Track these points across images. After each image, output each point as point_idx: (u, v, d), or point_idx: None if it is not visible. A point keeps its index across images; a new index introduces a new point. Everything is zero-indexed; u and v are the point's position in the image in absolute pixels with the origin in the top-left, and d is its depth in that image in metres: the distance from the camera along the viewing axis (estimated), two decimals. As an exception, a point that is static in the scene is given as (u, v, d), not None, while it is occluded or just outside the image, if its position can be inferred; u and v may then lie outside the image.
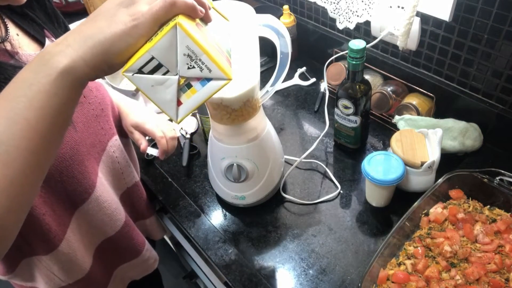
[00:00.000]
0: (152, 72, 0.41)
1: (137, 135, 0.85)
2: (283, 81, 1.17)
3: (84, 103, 0.71)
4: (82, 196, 0.70)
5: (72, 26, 1.53)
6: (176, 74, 0.41)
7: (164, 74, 0.41)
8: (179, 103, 0.43)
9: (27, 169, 0.36)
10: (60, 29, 0.70)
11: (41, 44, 0.63)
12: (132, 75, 0.41)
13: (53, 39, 0.66)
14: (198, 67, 0.41)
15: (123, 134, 0.86)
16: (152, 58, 0.39)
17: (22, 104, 0.35)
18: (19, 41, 0.60)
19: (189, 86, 0.42)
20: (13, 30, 0.60)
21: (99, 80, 0.83)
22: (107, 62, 0.38)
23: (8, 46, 0.57)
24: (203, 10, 0.42)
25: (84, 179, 0.68)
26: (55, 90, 0.36)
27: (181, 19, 0.39)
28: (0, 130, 0.35)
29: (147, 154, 1.02)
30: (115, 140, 0.80)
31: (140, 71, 0.40)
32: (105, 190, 0.75)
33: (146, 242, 0.91)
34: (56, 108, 0.37)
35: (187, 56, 0.40)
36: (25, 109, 0.35)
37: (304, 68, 1.23)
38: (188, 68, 0.41)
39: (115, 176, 0.81)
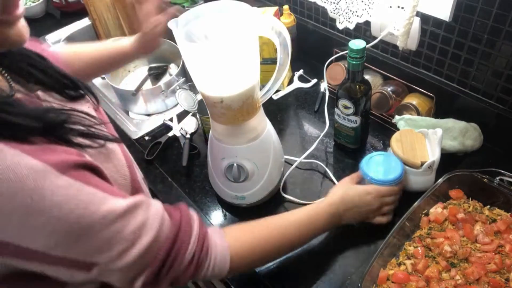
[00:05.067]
0: None
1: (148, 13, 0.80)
2: (287, 85, 1.17)
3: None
4: None
5: (71, 26, 1.53)
6: None
7: None
8: None
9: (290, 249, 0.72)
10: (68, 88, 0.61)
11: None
12: None
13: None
14: None
15: None
16: None
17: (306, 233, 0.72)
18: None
19: None
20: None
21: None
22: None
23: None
24: None
25: None
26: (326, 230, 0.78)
27: None
28: (293, 240, 0.71)
29: (147, 154, 1.02)
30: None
31: None
32: None
33: None
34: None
35: None
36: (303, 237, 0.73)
37: (301, 71, 1.23)
38: None
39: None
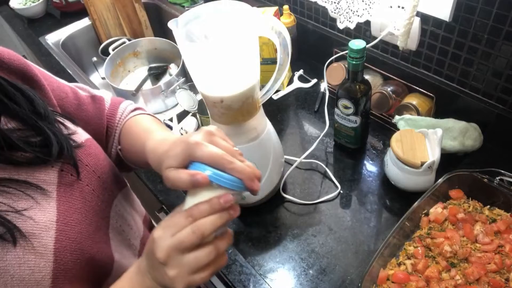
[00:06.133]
0: None
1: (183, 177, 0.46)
2: (287, 85, 1.17)
3: (74, 187, 0.54)
4: (106, 273, 0.60)
5: (71, 26, 1.54)
6: None
7: None
8: None
9: None
10: (22, 108, 0.51)
11: None
12: None
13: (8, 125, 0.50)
14: None
15: (120, 182, 0.68)
16: None
17: None
18: None
19: None
20: None
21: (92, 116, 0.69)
22: None
23: None
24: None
25: (101, 261, 0.58)
26: None
27: None
28: None
29: None
30: (115, 206, 0.64)
31: None
32: (122, 257, 0.65)
33: None
34: None
35: None
36: None
37: (301, 71, 1.23)
38: None
39: (125, 242, 0.67)
